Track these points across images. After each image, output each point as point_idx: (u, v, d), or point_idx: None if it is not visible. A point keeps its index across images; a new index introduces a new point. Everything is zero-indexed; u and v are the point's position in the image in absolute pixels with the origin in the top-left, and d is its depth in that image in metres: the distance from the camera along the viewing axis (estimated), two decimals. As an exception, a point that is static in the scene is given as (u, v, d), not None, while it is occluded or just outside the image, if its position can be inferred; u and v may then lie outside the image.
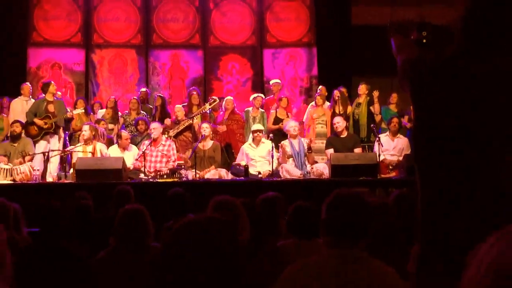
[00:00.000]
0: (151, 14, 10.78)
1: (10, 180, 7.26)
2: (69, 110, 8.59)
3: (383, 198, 5.58)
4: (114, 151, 7.91)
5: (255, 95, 9.13)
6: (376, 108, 8.67)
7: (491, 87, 1.72)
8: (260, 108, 8.91)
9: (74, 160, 7.57)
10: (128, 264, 2.91)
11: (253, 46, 10.88)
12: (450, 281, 1.31)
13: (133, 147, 8.06)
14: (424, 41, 1.98)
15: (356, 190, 2.13)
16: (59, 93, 9.21)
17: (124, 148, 7.94)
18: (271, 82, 9.74)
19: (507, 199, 1.66)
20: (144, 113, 8.90)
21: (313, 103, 9.10)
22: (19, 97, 8.87)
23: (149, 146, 7.75)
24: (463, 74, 1.77)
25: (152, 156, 7.77)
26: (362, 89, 8.83)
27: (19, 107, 8.72)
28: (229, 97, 9.04)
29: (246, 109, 9.09)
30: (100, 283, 2.77)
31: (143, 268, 2.75)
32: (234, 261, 1.32)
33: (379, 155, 7.38)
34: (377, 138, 7.62)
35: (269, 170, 7.56)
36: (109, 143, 8.41)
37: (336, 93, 8.71)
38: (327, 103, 8.94)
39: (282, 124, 8.51)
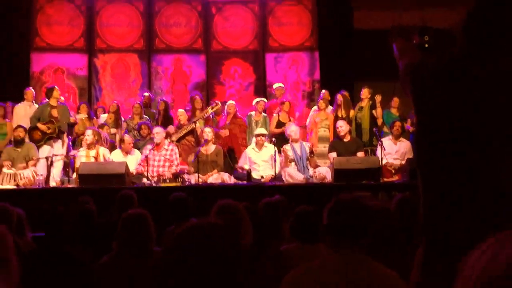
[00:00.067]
0: (153, 19, 10.80)
1: (14, 185, 7.27)
2: (72, 115, 8.60)
3: (385, 202, 5.57)
4: (117, 156, 7.92)
5: (258, 99, 9.12)
6: (378, 112, 8.65)
7: (492, 87, 1.73)
8: (262, 112, 8.91)
9: (77, 164, 7.57)
10: (131, 269, 2.91)
11: (255, 51, 10.88)
12: (450, 281, 1.31)
13: (136, 152, 8.06)
14: (426, 45, 1.99)
15: (357, 195, 2.13)
16: (62, 98, 9.23)
17: (127, 152, 7.95)
18: (274, 86, 9.72)
19: (507, 199, 1.67)
20: (147, 117, 8.91)
21: (315, 107, 9.07)
22: (22, 102, 8.87)
23: (152, 151, 7.76)
24: (464, 76, 1.77)
25: (155, 161, 7.77)
26: (365, 93, 8.82)
27: (23, 112, 8.72)
28: (231, 101, 9.05)
29: (248, 113, 9.08)
30: (103, 288, 2.77)
31: (146, 273, 2.76)
32: (237, 266, 1.32)
33: (382, 159, 7.37)
34: (380, 142, 7.61)
35: (272, 174, 7.55)
36: (112, 147, 8.41)
37: (339, 97, 8.70)
38: (330, 107, 8.94)
39: (284, 128, 8.50)
